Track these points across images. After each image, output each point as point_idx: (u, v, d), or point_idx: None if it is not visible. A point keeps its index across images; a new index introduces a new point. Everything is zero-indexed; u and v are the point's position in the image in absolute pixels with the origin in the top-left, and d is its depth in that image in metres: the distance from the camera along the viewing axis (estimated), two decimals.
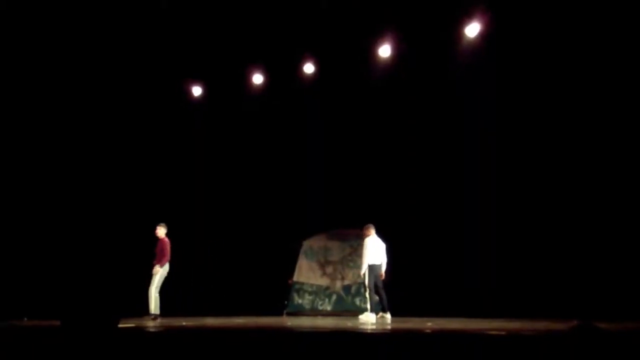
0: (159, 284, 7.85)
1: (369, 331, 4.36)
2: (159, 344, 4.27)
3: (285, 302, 9.73)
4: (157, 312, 7.77)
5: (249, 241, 10.37)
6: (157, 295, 7.81)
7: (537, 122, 8.28)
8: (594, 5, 7.50)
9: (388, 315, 7.52)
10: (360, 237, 9.53)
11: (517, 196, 8.34)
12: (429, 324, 5.34)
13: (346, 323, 6.40)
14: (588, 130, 7.75)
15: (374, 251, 7.76)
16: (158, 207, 9.63)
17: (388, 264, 8.05)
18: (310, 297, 9.62)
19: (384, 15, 8.55)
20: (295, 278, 9.87)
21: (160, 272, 7.85)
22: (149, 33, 9.10)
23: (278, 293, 9.80)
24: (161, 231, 8.08)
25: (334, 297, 9.57)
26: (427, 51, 8.98)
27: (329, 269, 9.59)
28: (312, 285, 9.68)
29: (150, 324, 6.24)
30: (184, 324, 5.95)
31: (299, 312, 9.56)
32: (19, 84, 9.39)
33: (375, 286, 7.61)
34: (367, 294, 7.72)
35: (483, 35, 8.51)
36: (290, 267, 9.91)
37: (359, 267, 9.32)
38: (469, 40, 8.65)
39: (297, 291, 9.78)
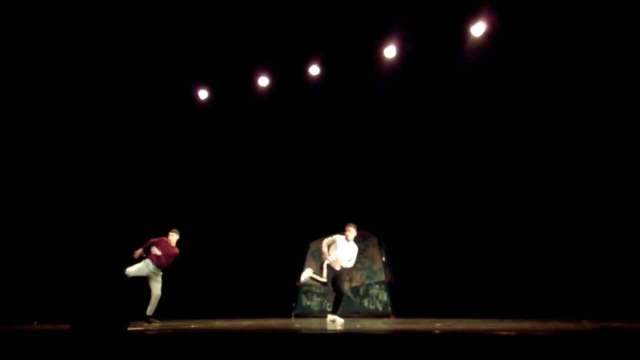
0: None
1: (377, 333, 4.34)
2: (167, 347, 4.27)
3: (293, 304, 9.72)
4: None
5: (256, 243, 10.39)
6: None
7: (542, 122, 8.25)
8: (598, 6, 7.46)
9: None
10: (367, 239, 9.54)
11: (524, 195, 8.31)
12: (438, 325, 5.31)
13: (355, 325, 6.38)
14: (594, 128, 7.70)
15: None
16: (165, 210, 9.67)
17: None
18: (319, 299, 9.60)
19: (389, 14, 8.55)
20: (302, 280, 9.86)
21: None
22: (154, 37, 9.14)
23: (286, 295, 9.80)
24: (174, 237, 7.97)
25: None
26: (432, 51, 8.96)
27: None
28: (320, 287, 9.66)
29: (157, 326, 6.26)
30: (192, 326, 5.96)
31: (307, 313, 9.55)
32: (21, 88, 9.47)
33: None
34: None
35: (489, 35, 8.47)
36: (298, 268, 9.90)
37: (367, 268, 9.31)
38: (474, 39, 8.60)
39: (305, 293, 9.76)
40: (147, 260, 7.67)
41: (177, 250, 7.84)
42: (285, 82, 10.04)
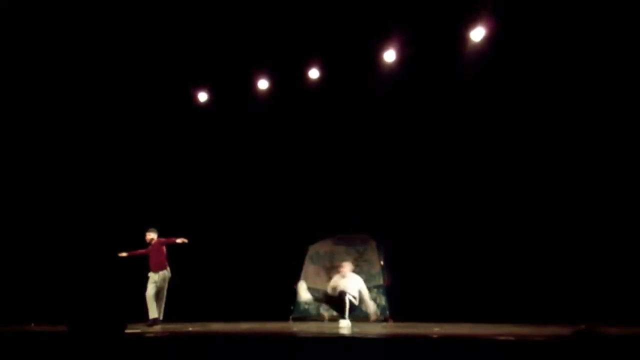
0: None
1: (375, 337, 4.34)
2: (165, 350, 4.27)
3: (291, 307, 9.70)
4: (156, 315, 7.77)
5: (254, 246, 10.38)
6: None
7: (540, 128, 8.26)
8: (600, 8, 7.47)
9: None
10: (366, 242, 9.53)
11: (523, 200, 8.31)
12: (436, 329, 5.31)
13: (353, 328, 6.37)
14: (594, 131, 7.72)
15: None
16: (164, 212, 9.66)
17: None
18: (317, 302, 9.58)
19: (388, 19, 8.57)
20: None
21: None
22: (155, 39, 9.16)
23: (284, 298, 9.78)
24: (151, 236, 8.10)
25: None
26: (431, 55, 8.98)
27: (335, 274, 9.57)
28: (318, 290, 9.64)
29: (157, 329, 6.24)
30: (190, 329, 5.94)
31: (305, 317, 9.53)
32: (22, 89, 9.49)
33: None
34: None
35: (488, 40, 8.48)
36: (296, 271, 9.89)
37: (365, 272, 9.29)
38: (473, 44, 8.62)
39: None
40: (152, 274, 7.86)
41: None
42: (285, 85, 10.05)
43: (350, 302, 7.34)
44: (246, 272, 10.20)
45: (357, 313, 9.00)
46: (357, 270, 9.26)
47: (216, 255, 10.43)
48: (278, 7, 8.47)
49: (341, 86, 9.71)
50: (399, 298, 8.93)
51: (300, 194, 10.30)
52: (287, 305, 9.71)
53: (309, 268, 9.88)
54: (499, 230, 8.30)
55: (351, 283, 7.68)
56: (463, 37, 8.64)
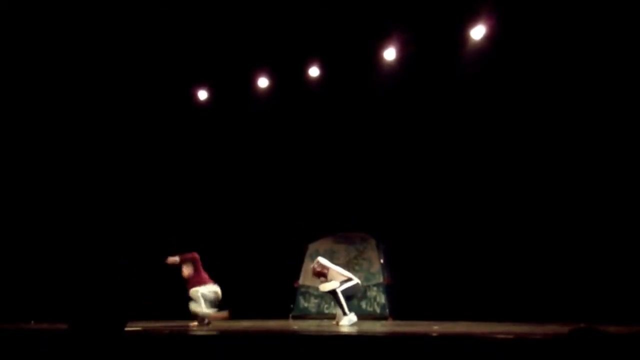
0: None
1: (375, 335, 4.34)
2: (166, 348, 4.28)
3: (291, 306, 9.71)
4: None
5: (254, 244, 10.39)
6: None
7: (542, 124, 8.26)
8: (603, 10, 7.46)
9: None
10: (366, 240, 9.53)
11: (523, 198, 8.32)
12: (436, 327, 5.32)
13: (354, 325, 6.39)
14: (594, 131, 7.72)
15: None
16: (164, 210, 9.68)
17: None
18: (316, 301, 9.59)
19: (389, 17, 8.57)
20: (301, 281, 9.85)
21: None
22: (154, 37, 9.15)
23: (284, 296, 9.79)
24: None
25: None
26: (432, 53, 8.98)
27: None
28: (318, 288, 9.65)
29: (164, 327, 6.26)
30: (190, 326, 5.96)
31: (304, 315, 9.54)
32: (22, 89, 9.50)
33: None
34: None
35: (489, 38, 8.47)
36: (296, 271, 9.90)
37: (365, 270, 9.30)
38: (474, 43, 8.61)
39: (303, 294, 9.74)
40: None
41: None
42: (285, 83, 10.05)
43: (344, 291, 7.18)
44: (246, 270, 10.21)
45: (356, 311, 9.00)
46: (358, 268, 9.28)
47: (216, 253, 10.43)
48: (278, 5, 8.47)
49: (341, 85, 9.71)
50: (399, 296, 8.94)
51: (300, 193, 10.30)
52: (287, 304, 9.72)
53: (308, 267, 9.88)
54: (498, 228, 8.30)
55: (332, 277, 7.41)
56: (463, 36, 8.63)
